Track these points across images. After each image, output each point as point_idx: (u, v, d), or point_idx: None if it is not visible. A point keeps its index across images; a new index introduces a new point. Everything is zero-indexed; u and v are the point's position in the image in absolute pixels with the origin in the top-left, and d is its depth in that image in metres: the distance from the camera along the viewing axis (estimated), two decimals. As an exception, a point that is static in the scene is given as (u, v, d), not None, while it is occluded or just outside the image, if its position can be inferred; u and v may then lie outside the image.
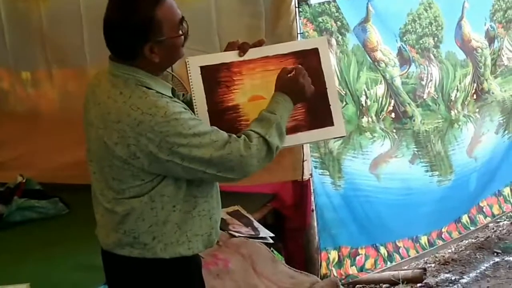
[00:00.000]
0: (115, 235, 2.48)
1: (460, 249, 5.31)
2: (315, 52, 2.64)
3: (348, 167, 4.52)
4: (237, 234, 4.03)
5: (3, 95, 5.42)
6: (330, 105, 2.63)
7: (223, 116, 2.52)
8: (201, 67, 2.54)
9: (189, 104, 2.51)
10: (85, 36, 4.84)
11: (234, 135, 2.40)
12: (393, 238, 4.81)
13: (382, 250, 4.73)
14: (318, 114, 2.62)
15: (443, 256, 5.15)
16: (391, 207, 4.73)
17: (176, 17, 2.39)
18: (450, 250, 5.27)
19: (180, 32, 2.41)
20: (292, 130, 2.57)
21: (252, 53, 2.59)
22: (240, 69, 2.58)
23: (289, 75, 2.56)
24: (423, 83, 4.85)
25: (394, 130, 4.73)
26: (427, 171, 4.91)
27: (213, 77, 2.55)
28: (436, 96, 4.93)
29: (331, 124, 2.62)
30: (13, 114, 5.36)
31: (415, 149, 4.83)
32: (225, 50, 2.65)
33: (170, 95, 2.45)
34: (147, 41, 2.34)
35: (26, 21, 5.14)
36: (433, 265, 5.06)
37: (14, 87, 5.37)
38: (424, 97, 4.87)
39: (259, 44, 2.62)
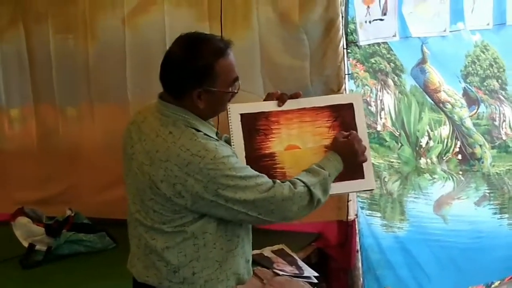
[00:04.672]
0: (154, 268, 2.52)
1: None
2: (349, 107, 2.75)
3: (412, 210, 4.52)
4: (281, 273, 4.02)
5: (48, 131, 5.48)
6: None
7: (259, 162, 2.60)
8: (241, 115, 2.64)
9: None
10: (127, 75, 4.93)
11: (278, 181, 2.46)
12: (461, 283, 4.71)
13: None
14: (350, 167, 2.68)
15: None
16: (463, 251, 4.66)
17: (232, 74, 2.49)
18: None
19: (230, 90, 2.50)
20: None
21: (290, 104, 2.70)
22: (278, 118, 2.68)
23: (344, 139, 2.66)
24: (496, 123, 4.79)
25: (461, 172, 4.68)
26: (495, 213, 4.81)
27: (252, 124, 2.65)
28: None
29: (362, 177, 2.72)
30: (58, 149, 5.41)
31: (487, 191, 4.75)
32: (264, 100, 2.76)
33: (216, 137, 2.51)
34: (198, 86, 2.42)
35: (74, 58, 5.23)
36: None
37: (58, 122, 5.42)
38: (503, 138, 4.79)
39: (295, 96, 2.71)
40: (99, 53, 5.09)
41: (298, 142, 2.68)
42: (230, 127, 2.60)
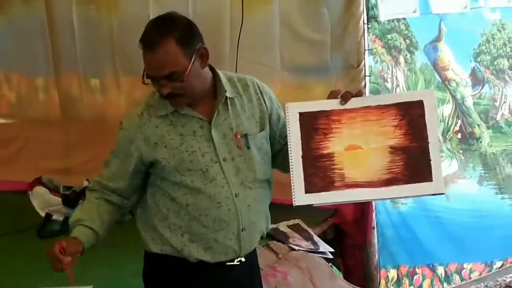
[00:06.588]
0: None
1: (521, 274, 5.20)
2: (419, 104, 2.54)
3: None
4: (297, 248, 4.03)
5: (72, 101, 5.52)
6: (430, 160, 2.51)
7: (317, 162, 2.48)
8: (300, 113, 2.52)
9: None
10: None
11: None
12: (462, 260, 4.74)
13: (440, 270, 4.68)
14: (417, 169, 2.50)
15: (505, 280, 5.05)
16: (462, 229, 4.66)
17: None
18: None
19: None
20: (387, 182, 2.47)
21: (354, 102, 2.53)
22: (339, 117, 2.52)
23: None
24: (497, 104, 4.77)
25: (461, 151, 4.68)
26: (496, 193, 4.82)
27: (311, 123, 2.52)
28: (511, 118, 4.83)
29: (430, 180, 2.50)
30: (81, 120, 5.45)
31: (482, 171, 4.76)
32: (327, 98, 2.57)
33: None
34: None
35: (97, 29, 5.24)
36: (493, 289, 4.99)
37: (82, 93, 5.45)
38: (497, 119, 4.78)
39: (359, 94, 2.56)
40: (123, 25, 5.09)
41: (360, 142, 2.51)
42: (287, 125, 2.49)
